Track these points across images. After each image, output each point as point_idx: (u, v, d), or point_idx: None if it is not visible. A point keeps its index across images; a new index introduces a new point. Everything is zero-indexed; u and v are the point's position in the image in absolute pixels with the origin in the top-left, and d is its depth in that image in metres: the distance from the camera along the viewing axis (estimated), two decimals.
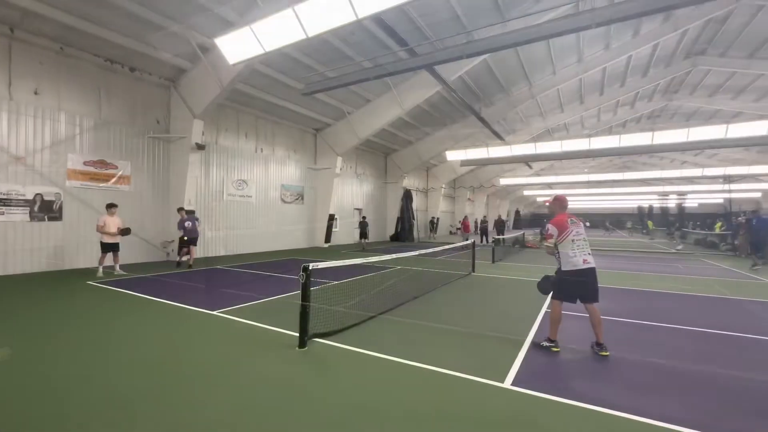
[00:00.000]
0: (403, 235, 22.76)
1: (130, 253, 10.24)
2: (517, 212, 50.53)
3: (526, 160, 22.97)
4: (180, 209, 10.35)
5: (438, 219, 28.26)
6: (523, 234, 21.59)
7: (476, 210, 36.67)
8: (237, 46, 7.71)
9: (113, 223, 8.43)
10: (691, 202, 38.85)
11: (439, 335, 4.49)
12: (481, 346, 4.12)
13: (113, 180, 10.12)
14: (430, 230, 27.21)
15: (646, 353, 3.96)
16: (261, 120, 14.93)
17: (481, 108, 17.54)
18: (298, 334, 3.89)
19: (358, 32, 11.07)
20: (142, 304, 5.74)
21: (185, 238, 9.94)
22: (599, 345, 3.88)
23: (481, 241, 21.26)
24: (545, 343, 4.02)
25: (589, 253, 4.02)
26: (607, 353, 3.80)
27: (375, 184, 22.77)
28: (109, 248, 8.41)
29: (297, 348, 3.83)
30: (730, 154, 27.41)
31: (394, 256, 6.33)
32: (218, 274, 8.84)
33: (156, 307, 5.61)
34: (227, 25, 9.11)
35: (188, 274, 8.85)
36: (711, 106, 21.97)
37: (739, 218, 16.23)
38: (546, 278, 4.21)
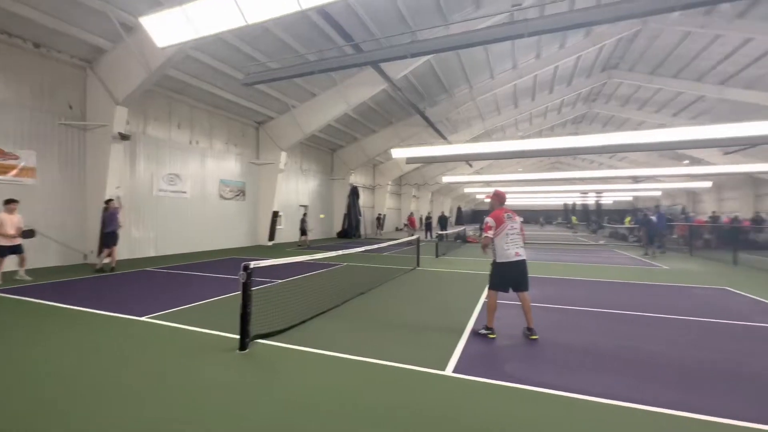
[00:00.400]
0: (350, 231, 22.70)
1: (38, 256, 8.96)
2: (459, 209, 52.94)
3: (467, 159, 24.12)
4: (108, 201, 9.15)
5: (385, 216, 28.62)
6: (464, 229, 22.69)
7: (421, 207, 37.75)
8: (166, 28, 7.06)
9: (11, 222, 7.27)
10: (607, 200, 43.70)
11: (384, 329, 4.56)
12: (424, 337, 4.26)
13: (13, 172, 8.75)
14: (377, 227, 27.48)
15: (570, 335, 4.39)
16: (197, 110, 13.89)
17: (425, 107, 18.05)
18: (238, 337, 3.71)
19: (303, 24, 10.77)
20: (52, 313, 5.06)
21: (112, 232, 8.82)
22: (529, 330, 4.24)
23: (426, 237, 21.96)
24: (483, 331, 4.28)
25: (521, 246, 4.30)
26: (536, 337, 4.16)
27: (321, 180, 22.40)
28: (6, 251, 7.25)
29: (237, 351, 3.65)
30: (637, 158, 31.29)
31: (339, 252, 6.30)
32: (147, 277, 8.09)
33: (70, 315, 4.98)
34: (155, 3, 8.32)
35: (110, 278, 7.98)
36: (622, 114, 24.89)
37: (639, 214, 18.66)
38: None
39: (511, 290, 4.30)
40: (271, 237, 16.86)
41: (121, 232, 9.39)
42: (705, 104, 20.29)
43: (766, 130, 13.30)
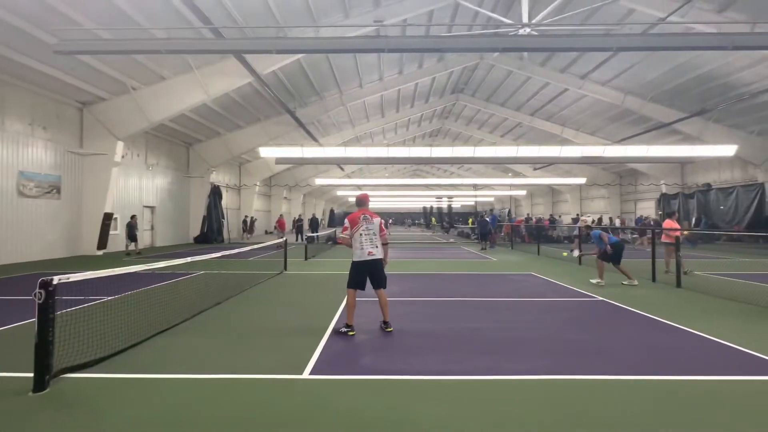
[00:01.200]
0: (210, 235, 20.39)
1: None
2: (332, 211, 53.67)
3: (338, 163, 24.67)
4: None
5: (254, 218, 26.75)
6: (335, 231, 23.10)
7: (293, 209, 36.75)
8: None
9: None
10: (456, 204, 51.04)
11: (240, 340, 4.24)
12: (283, 343, 4.13)
13: None
14: (244, 230, 25.47)
15: (416, 324, 4.93)
16: None
17: (295, 107, 17.66)
18: (32, 375, 2.87)
19: None
20: None
21: None
22: (385, 323, 4.56)
23: (297, 239, 21.46)
24: (343, 329, 4.40)
25: (376, 246, 4.50)
26: (391, 329, 4.51)
27: (174, 177, 19.47)
28: None
29: (30, 393, 2.82)
30: (478, 169, 37.55)
31: (189, 259, 5.57)
32: None
33: None
34: None
35: None
36: (466, 132, 29.49)
37: (477, 216, 22.53)
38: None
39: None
40: (102, 245, 13.77)
41: None
42: (522, 129, 25.79)
43: (556, 153, 17.71)
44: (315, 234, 18.34)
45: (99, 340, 3.80)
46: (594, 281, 7.73)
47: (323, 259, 12.88)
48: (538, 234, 16.95)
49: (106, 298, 5.95)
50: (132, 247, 13.76)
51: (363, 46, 8.39)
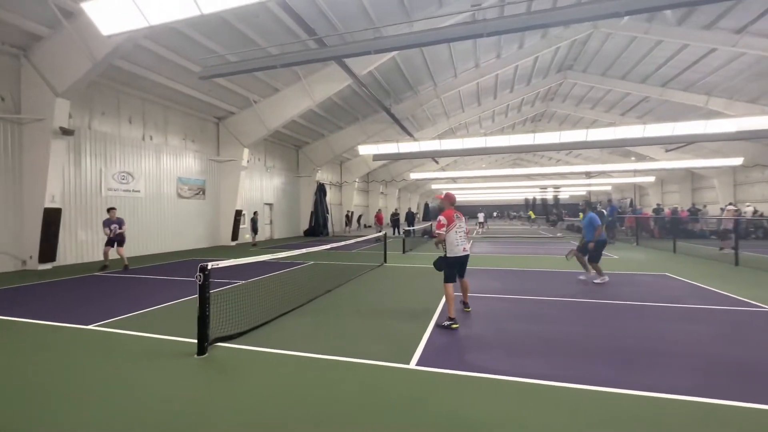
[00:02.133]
0: (317, 229, 22.41)
1: None
2: (427, 205, 53.76)
3: (433, 156, 24.51)
4: (110, 209, 9.49)
5: (353, 213, 28.50)
6: (431, 225, 23.08)
7: (389, 203, 37.94)
8: (112, 15, 6.58)
9: None
10: (563, 194, 46.07)
11: (349, 326, 4.56)
12: (389, 331, 4.30)
13: None
14: (346, 224, 27.31)
15: (524, 323, 4.60)
16: (149, 103, 13.10)
17: (391, 104, 18.11)
18: (196, 341, 3.56)
19: (264, 16, 10.44)
20: None
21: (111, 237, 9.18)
22: (465, 303, 5.21)
23: (394, 233, 22.12)
24: (446, 323, 4.41)
25: (466, 243, 4.84)
26: (469, 309, 5.13)
27: (287, 177, 21.91)
28: None
29: (195, 356, 3.50)
30: (591, 154, 33.21)
31: (304, 250, 6.20)
32: (94, 282, 7.56)
33: (9, 327, 4.56)
34: None
35: (56, 284, 7.38)
36: (576, 113, 26.28)
37: (589, 207, 19.86)
38: (439, 259, 4.91)
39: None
40: (234, 237, 16.30)
41: (66, 235, 8.94)
42: (649, 104, 21.86)
43: (700, 129, 14.56)
44: (411, 228, 18.63)
45: (239, 317, 4.51)
46: (597, 281, 7.01)
47: (420, 252, 13.00)
48: (674, 228, 14.22)
49: (240, 282, 7.02)
50: (253, 238, 16.29)
51: (459, 34, 8.09)
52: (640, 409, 2.56)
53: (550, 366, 3.30)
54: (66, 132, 9.29)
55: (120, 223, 9.47)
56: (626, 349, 3.72)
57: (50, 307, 5.53)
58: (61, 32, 8.75)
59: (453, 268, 4.75)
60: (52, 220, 9.26)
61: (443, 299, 5.78)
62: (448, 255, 4.73)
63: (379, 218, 23.88)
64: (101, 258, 11.02)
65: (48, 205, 9.15)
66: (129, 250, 12.02)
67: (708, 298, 5.92)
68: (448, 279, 4.71)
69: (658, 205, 28.72)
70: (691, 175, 31.78)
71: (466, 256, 4.83)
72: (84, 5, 6.59)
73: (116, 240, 9.38)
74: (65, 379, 3.09)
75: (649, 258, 10.97)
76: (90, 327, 4.50)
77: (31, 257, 9.19)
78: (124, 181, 11.98)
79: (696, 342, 3.93)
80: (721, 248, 12.24)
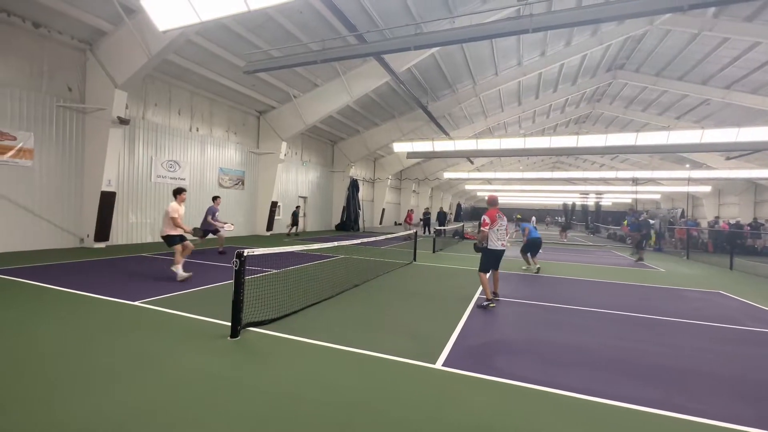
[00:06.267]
0: (348, 224, 22.69)
1: (32, 239, 8.99)
2: (459, 206, 52.89)
3: (468, 156, 24.04)
4: (215, 198, 10.23)
5: (383, 210, 28.59)
6: (463, 226, 22.67)
7: (421, 202, 37.71)
8: (168, 11, 6.96)
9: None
10: (606, 201, 43.63)
11: (377, 321, 4.56)
12: (416, 330, 4.26)
13: (10, 153, 8.70)
14: (380, 222, 27.45)
15: (560, 333, 4.39)
16: (197, 97, 13.79)
17: (428, 102, 17.92)
18: (230, 324, 3.70)
19: (306, 12, 10.63)
20: (43, 295, 5.05)
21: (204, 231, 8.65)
22: (495, 293, 5.79)
23: (424, 232, 21.94)
24: (485, 303, 5.28)
25: (504, 240, 5.68)
26: (499, 297, 5.84)
27: (321, 172, 22.32)
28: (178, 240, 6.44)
29: (228, 338, 3.65)
30: (639, 160, 31.20)
31: (335, 243, 6.28)
32: (142, 262, 8.08)
33: (56, 297, 4.98)
34: None
35: (106, 262, 7.98)
36: (626, 115, 24.74)
37: (633, 217, 18.54)
38: (476, 245, 5.79)
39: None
40: (269, 227, 16.84)
41: (118, 217, 9.70)
42: (709, 108, 20.17)
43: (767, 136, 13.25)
44: (443, 227, 18.39)
45: (270, 304, 4.65)
46: (524, 267, 8.78)
47: (450, 253, 12.81)
48: (731, 242, 13.05)
49: (273, 271, 7.24)
50: (293, 230, 17.00)
51: (504, 30, 7.83)
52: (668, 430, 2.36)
53: (580, 378, 3.13)
54: (123, 121, 9.98)
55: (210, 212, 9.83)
56: (667, 368, 3.45)
57: (102, 282, 5.98)
58: (122, 28, 9.39)
59: (489, 258, 5.56)
60: (107, 202, 10.01)
61: (472, 301, 5.68)
62: (489, 247, 5.56)
63: (409, 217, 23.78)
64: (149, 240, 11.80)
65: (105, 188, 9.89)
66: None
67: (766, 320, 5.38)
68: (484, 269, 5.57)
69: (716, 217, 26.53)
70: (755, 186, 29.07)
71: (503, 251, 5.66)
72: (143, 2, 7.02)
73: (209, 230, 9.58)
74: (107, 349, 3.32)
75: (701, 273, 10.15)
76: (136, 303, 4.81)
77: (88, 236, 9.99)
78: (171, 169, 12.72)
79: (748, 366, 3.57)
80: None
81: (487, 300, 5.32)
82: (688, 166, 27.51)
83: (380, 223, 27.34)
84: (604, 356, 3.70)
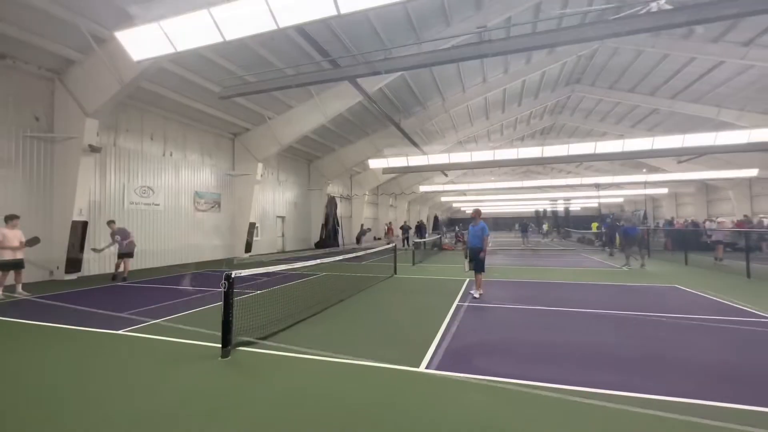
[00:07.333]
0: (327, 241, 22.71)
1: None
2: (436, 217, 53.79)
3: (442, 169, 24.79)
4: (110, 222, 9.75)
5: (364, 226, 28.76)
6: (440, 237, 23.18)
7: (398, 216, 38.17)
8: (143, 43, 7.12)
9: (14, 236, 7.33)
10: (575, 206, 45.66)
11: (362, 332, 4.76)
12: (400, 338, 4.49)
13: None
14: (357, 240, 27.51)
15: (534, 332, 4.74)
16: (170, 122, 13.74)
17: (400, 119, 18.54)
18: (220, 345, 3.81)
19: (279, 38, 10.97)
20: (25, 330, 4.95)
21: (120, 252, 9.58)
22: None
23: (404, 245, 22.27)
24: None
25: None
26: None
27: (298, 191, 22.38)
28: (9, 266, 7.33)
29: (219, 358, 3.75)
30: (601, 166, 33.09)
31: (318, 261, 6.46)
32: (120, 291, 7.92)
33: (39, 332, 4.89)
34: (127, 16, 8.30)
35: (83, 293, 7.77)
36: (585, 126, 26.38)
37: (606, 219, 19.64)
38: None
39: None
40: (248, 249, 16.67)
41: (90, 247, 9.57)
42: (659, 116, 21.89)
43: (710, 140, 14.57)
44: (422, 240, 18.79)
45: (257, 323, 4.76)
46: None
47: (429, 264, 13.15)
48: (683, 240, 14.10)
49: (257, 292, 7.29)
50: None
51: (465, 55, 8.44)
52: (632, 405, 2.70)
53: (550, 371, 3.46)
54: (94, 149, 9.85)
55: (122, 234, 9.67)
56: (630, 358, 3.84)
57: (81, 313, 5.87)
58: (92, 57, 9.38)
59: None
60: (78, 232, 9.75)
61: (453, 308, 5.96)
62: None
63: (389, 230, 24.10)
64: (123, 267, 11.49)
65: (76, 218, 9.66)
66: (148, 261, 12.53)
67: (714, 309, 5.96)
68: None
69: (671, 218, 28.34)
70: (706, 186, 31.38)
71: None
72: (117, 34, 7.15)
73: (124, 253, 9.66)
74: (97, 379, 3.37)
75: (661, 270, 10.93)
76: (119, 332, 4.80)
77: (57, 268, 9.65)
78: (144, 195, 12.52)
79: (694, 350, 4.02)
80: (717, 258, 12.51)
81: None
82: (645, 170, 29.44)
83: (358, 243, 27.45)
84: (571, 350, 4.06)
